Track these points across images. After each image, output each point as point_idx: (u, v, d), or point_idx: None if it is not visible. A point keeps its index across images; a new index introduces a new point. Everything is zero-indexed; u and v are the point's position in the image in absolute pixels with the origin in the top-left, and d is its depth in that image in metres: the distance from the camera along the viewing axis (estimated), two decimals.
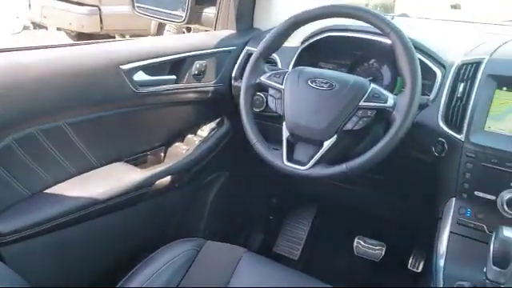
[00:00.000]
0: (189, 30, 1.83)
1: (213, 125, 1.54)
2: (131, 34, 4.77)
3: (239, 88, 1.23)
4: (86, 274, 1.25)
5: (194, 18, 1.59)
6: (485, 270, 0.94)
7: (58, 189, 1.15)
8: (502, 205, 1.04)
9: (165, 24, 4.05)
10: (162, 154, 1.46)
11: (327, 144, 1.06)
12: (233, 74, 1.47)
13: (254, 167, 1.51)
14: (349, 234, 1.80)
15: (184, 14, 1.56)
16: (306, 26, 1.19)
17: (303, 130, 1.09)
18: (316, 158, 1.07)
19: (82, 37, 4.65)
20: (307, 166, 1.07)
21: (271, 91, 1.16)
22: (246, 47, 1.48)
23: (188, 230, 1.59)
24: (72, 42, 4.75)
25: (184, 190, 1.49)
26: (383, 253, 1.72)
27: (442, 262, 1.10)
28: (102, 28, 4.58)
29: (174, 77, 1.35)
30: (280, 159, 1.11)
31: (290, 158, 1.10)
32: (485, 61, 1.12)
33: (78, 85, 1.13)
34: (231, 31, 1.57)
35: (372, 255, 1.73)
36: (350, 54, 1.39)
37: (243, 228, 1.91)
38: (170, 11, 1.61)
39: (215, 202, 1.64)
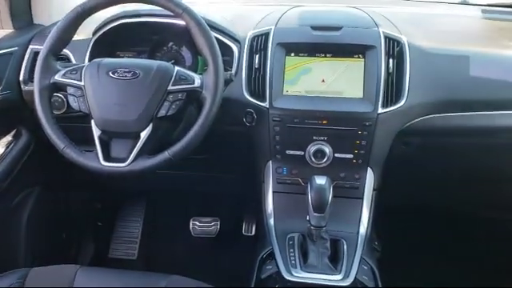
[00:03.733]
0: None
1: (8, 138, 1.36)
2: None
3: (31, 92, 1.09)
4: None
5: None
6: (308, 218, 1.06)
7: None
8: (310, 157, 1.17)
9: None
10: None
11: (144, 134, 1.02)
12: (20, 78, 1.30)
13: (67, 175, 1.38)
14: (183, 218, 1.81)
15: None
16: (96, 14, 1.11)
17: (115, 125, 1.04)
18: (135, 151, 1.02)
19: None
20: (128, 162, 1.02)
21: (70, 90, 1.06)
22: (30, 46, 1.32)
23: (6, 262, 1.39)
24: None
25: None
26: (218, 227, 1.79)
27: (272, 221, 1.19)
28: None
29: None
30: (96, 160, 1.03)
31: (108, 157, 1.04)
32: (272, 31, 1.21)
33: None
34: (8, 30, 1.38)
35: (209, 232, 1.78)
36: (147, 40, 1.36)
37: (71, 243, 1.75)
38: None
39: (31, 223, 1.46)
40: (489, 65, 1.22)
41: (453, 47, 1.26)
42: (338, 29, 1.20)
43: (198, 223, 1.79)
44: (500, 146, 1.28)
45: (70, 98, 1.06)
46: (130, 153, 1.02)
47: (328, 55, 1.19)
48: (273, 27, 1.23)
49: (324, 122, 1.16)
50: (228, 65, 1.22)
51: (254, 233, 1.73)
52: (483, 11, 1.49)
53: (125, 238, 1.89)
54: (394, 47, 1.17)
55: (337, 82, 1.18)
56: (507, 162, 1.33)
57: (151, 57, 1.35)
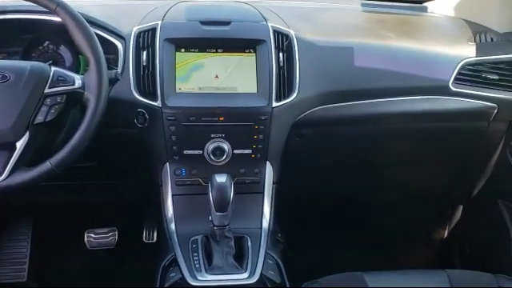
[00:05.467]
0: None
1: None
2: None
3: None
4: None
5: None
6: (210, 218, 1.03)
7: None
8: (209, 155, 1.14)
9: None
10: None
11: (20, 144, 0.92)
12: None
13: None
14: (77, 232, 1.68)
15: None
16: None
17: None
18: (11, 163, 0.92)
19: None
20: (3, 176, 0.92)
21: None
22: None
23: None
24: None
25: None
26: (117, 237, 1.68)
27: (173, 226, 1.14)
28: None
29: None
30: None
31: None
32: (158, 26, 1.16)
33: None
34: None
35: (106, 243, 1.67)
36: (19, 40, 1.23)
37: None
38: None
39: None
40: (370, 55, 1.29)
41: (338, 39, 1.31)
42: (227, 23, 1.18)
43: (93, 235, 1.66)
44: (387, 132, 1.37)
45: None
46: (6, 166, 0.92)
47: (219, 50, 1.16)
48: (159, 22, 1.17)
49: (220, 118, 1.13)
50: (113, 63, 1.15)
51: (155, 239, 1.66)
52: (363, 5, 1.58)
53: (11, 260, 1.71)
54: (283, 41, 1.19)
55: (230, 78, 1.16)
56: (395, 147, 1.43)
57: (25, 58, 1.22)
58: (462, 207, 1.73)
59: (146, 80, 1.13)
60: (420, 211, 1.79)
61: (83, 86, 0.97)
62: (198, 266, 1.03)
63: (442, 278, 1.04)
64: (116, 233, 1.68)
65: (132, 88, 1.12)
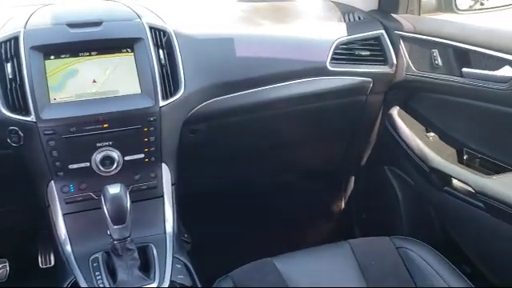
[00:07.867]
0: None
1: None
2: None
3: None
4: None
5: None
6: (109, 232, 0.97)
7: None
8: (97, 166, 1.07)
9: None
10: None
11: None
12: None
13: None
14: None
15: None
16: None
17: None
18: None
19: None
20: None
21: None
22: None
23: None
24: None
25: None
26: (8, 268, 1.53)
27: (68, 248, 1.07)
28: None
29: None
30: None
31: None
32: (21, 34, 1.06)
33: None
34: None
35: None
36: None
37: None
38: None
39: None
40: (250, 44, 1.30)
41: (217, 31, 1.30)
42: (97, 24, 1.11)
43: None
44: (278, 116, 1.40)
45: None
46: None
47: (93, 53, 1.09)
48: (22, 30, 1.06)
49: (105, 125, 1.07)
50: None
51: (53, 263, 1.54)
52: None
53: None
54: (161, 37, 1.15)
55: (110, 81, 1.09)
56: (287, 129, 1.47)
57: None
58: (353, 178, 1.84)
59: (15, 94, 1.03)
60: (317, 187, 1.87)
61: None
62: (101, 285, 0.97)
63: (345, 249, 1.10)
64: (7, 264, 1.53)
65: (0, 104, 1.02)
